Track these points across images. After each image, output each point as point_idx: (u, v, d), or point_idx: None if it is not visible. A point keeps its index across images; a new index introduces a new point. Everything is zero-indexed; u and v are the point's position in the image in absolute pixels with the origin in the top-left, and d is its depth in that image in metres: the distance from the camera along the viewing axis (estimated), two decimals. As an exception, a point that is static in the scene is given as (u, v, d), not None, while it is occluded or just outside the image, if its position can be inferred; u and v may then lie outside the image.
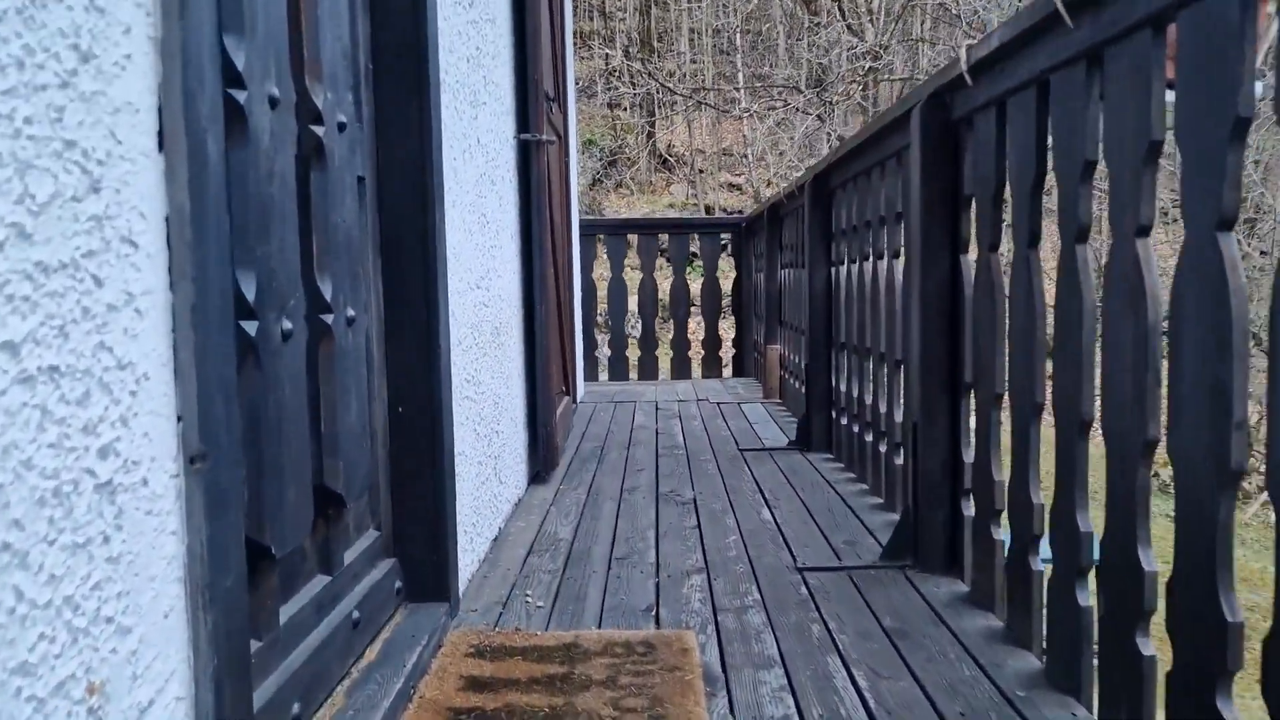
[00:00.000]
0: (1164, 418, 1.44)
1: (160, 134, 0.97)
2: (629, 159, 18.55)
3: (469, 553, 2.42)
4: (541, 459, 3.53)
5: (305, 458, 1.52)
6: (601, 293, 6.94)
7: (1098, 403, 1.64)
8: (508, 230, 3.13)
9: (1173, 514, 1.43)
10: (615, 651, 1.93)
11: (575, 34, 9.08)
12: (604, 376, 6.99)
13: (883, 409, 3.18)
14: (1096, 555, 1.66)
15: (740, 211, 17.13)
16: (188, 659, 1.00)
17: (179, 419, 0.99)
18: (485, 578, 2.46)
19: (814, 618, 2.15)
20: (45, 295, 0.79)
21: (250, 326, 1.31)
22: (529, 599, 2.30)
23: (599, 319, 7.29)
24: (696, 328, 7.10)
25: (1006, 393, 2.07)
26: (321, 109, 1.61)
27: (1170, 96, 1.42)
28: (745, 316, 7.05)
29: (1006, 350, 2.04)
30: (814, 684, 1.81)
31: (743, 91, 17.18)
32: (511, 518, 3.04)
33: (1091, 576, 1.69)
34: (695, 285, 7.10)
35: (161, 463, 0.96)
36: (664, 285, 7.02)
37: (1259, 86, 1.33)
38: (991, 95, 2.03)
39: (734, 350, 7.21)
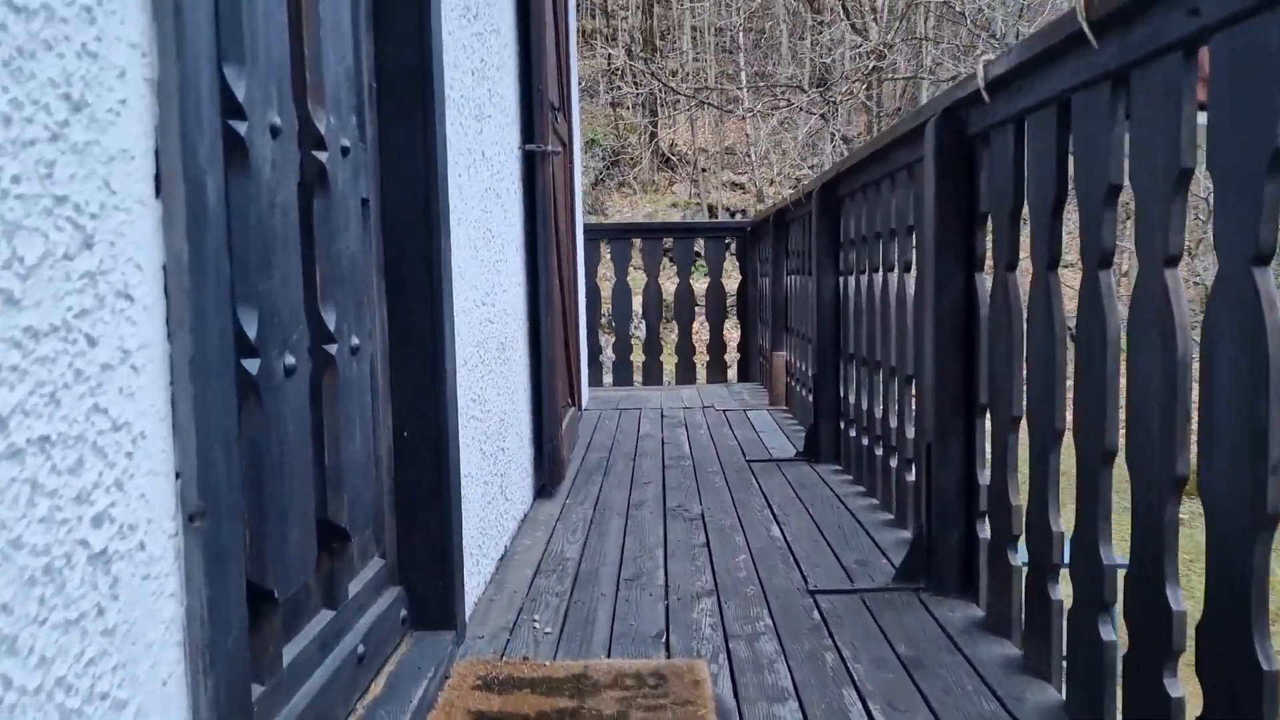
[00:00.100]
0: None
1: (157, 178, 0.93)
2: (632, 159, 18.51)
3: (475, 575, 2.38)
4: (547, 472, 3.49)
5: (308, 495, 1.48)
6: (605, 293, 6.89)
7: (1122, 433, 1.60)
8: (513, 244, 3.09)
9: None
10: (626, 684, 1.89)
11: (577, 33, 9.01)
12: (608, 380, 6.95)
13: (893, 424, 3.13)
14: (1119, 587, 1.62)
15: (743, 211, 17.09)
16: (187, 725, 0.96)
17: (177, 475, 0.95)
18: (492, 601, 2.42)
19: (827, 645, 2.10)
20: (34, 362, 0.74)
21: (252, 365, 1.27)
22: (536, 624, 2.26)
23: (603, 320, 7.25)
24: (700, 328, 7.05)
25: (1024, 416, 2.02)
26: (325, 134, 1.57)
27: (1202, 119, 1.37)
28: (750, 321, 7.00)
29: (1024, 373, 2.00)
30: None
31: (745, 91, 17.13)
32: (517, 535, 3.00)
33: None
34: (699, 286, 7.05)
35: (159, 523, 0.92)
36: (668, 287, 6.97)
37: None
38: (1009, 113, 1.99)
39: (739, 355, 7.17)
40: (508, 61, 3.07)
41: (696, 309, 6.91)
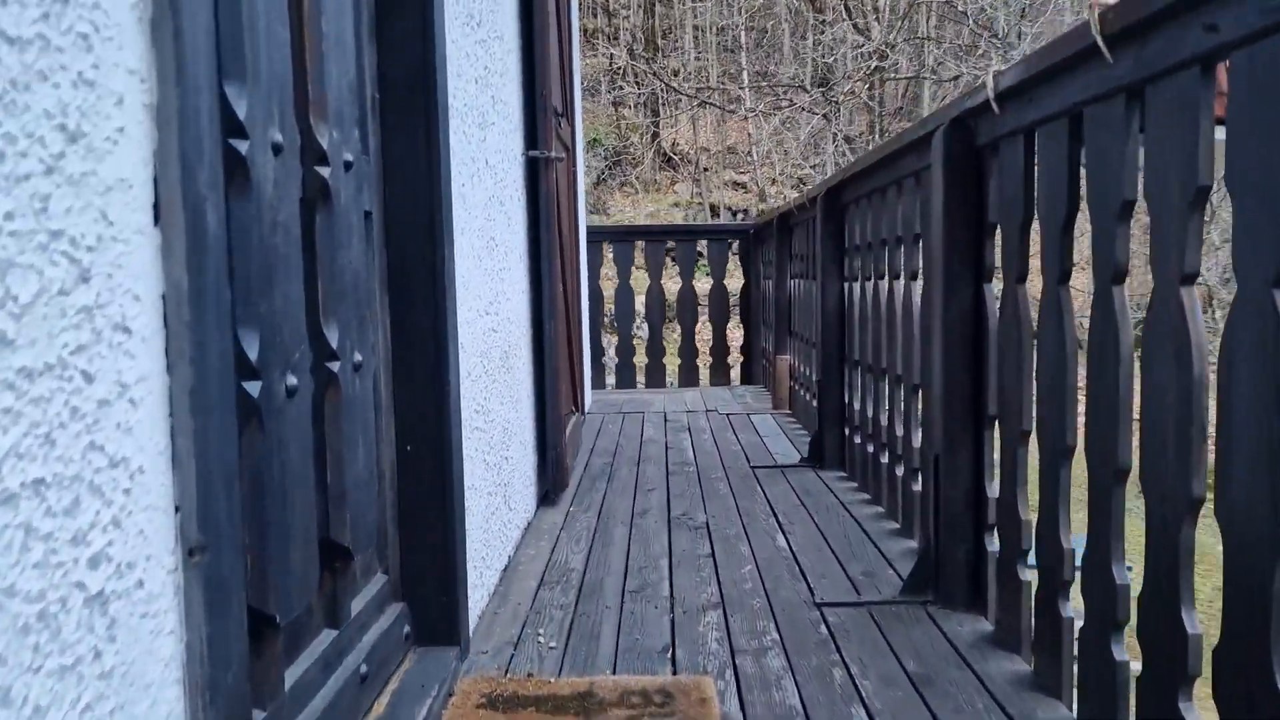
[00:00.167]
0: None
1: (156, 206, 0.90)
2: (634, 158, 18.49)
3: (479, 588, 2.36)
4: (551, 479, 3.47)
5: (311, 516, 1.46)
6: (608, 293, 6.87)
7: (1135, 451, 1.57)
8: (516, 251, 3.06)
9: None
10: (632, 701, 1.87)
11: (580, 35, 8.99)
12: (611, 381, 6.93)
13: (899, 432, 3.11)
14: (1133, 606, 1.60)
15: (745, 211, 17.06)
16: (188, 764, 0.94)
17: (177, 509, 0.93)
18: (496, 614, 2.40)
19: (835, 660, 2.08)
20: (29, 403, 0.72)
21: (253, 387, 1.25)
22: (541, 639, 2.24)
23: (605, 319, 7.23)
24: (702, 327, 7.02)
25: (1034, 430, 2.00)
26: (327, 149, 1.55)
27: (1220, 133, 1.35)
28: (753, 323, 6.98)
29: (1034, 387, 1.98)
30: (839, 740, 1.75)
31: (747, 91, 17.10)
32: (521, 544, 2.98)
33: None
34: (702, 287, 7.01)
35: (158, 559, 0.90)
36: (670, 288, 6.94)
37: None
38: (1019, 124, 1.96)
39: (742, 358, 7.14)
40: (511, 68, 3.05)
41: (699, 309, 6.88)
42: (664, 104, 18.62)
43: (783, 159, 17.50)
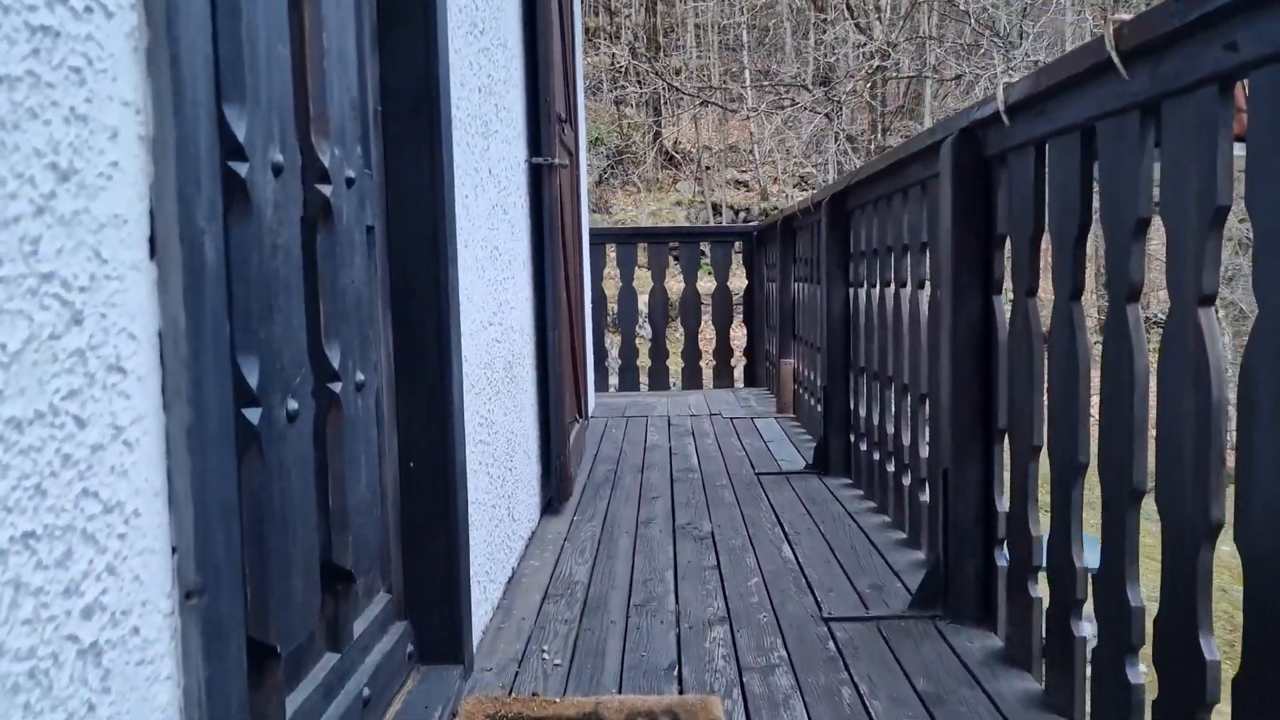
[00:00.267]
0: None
1: (152, 240, 0.88)
2: (636, 157, 18.45)
3: (482, 603, 2.33)
4: (555, 488, 3.44)
5: (312, 542, 1.43)
6: (611, 293, 6.84)
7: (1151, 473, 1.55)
8: (519, 259, 3.04)
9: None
10: (638, 723, 1.84)
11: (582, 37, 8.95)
12: (614, 383, 6.90)
13: (905, 441, 3.08)
14: (1147, 625, 1.57)
15: (747, 210, 17.03)
16: (186, 811, 0.92)
17: (174, 551, 0.90)
18: (500, 629, 2.37)
19: (844, 679, 2.05)
20: (18, 455, 0.70)
21: (253, 414, 1.22)
22: (545, 655, 2.21)
23: (608, 319, 7.20)
24: (705, 328, 6.99)
25: (1044, 446, 1.97)
26: (329, 167, 1.52)
27: (1240, 150, 1.32)
28: (757, 325, 6.95)
29: (1045, 403, 1.95)
30: (848, 763, 1.72)
31: (749, 90, 17.06)
32: (525, 555, 2.95)
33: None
34: (705, 289, 6.98)
35: (154, 604, 0.87)
36: (673, 288, 6.92)
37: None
38: (1030, 136, 1.93)
39: (745, 360, 7.11)
40: (514, 75, 3.02)
41: (702, 310, 6.85)
42: (666, 103, 18.59)
43: (785, 158, 17.47)
